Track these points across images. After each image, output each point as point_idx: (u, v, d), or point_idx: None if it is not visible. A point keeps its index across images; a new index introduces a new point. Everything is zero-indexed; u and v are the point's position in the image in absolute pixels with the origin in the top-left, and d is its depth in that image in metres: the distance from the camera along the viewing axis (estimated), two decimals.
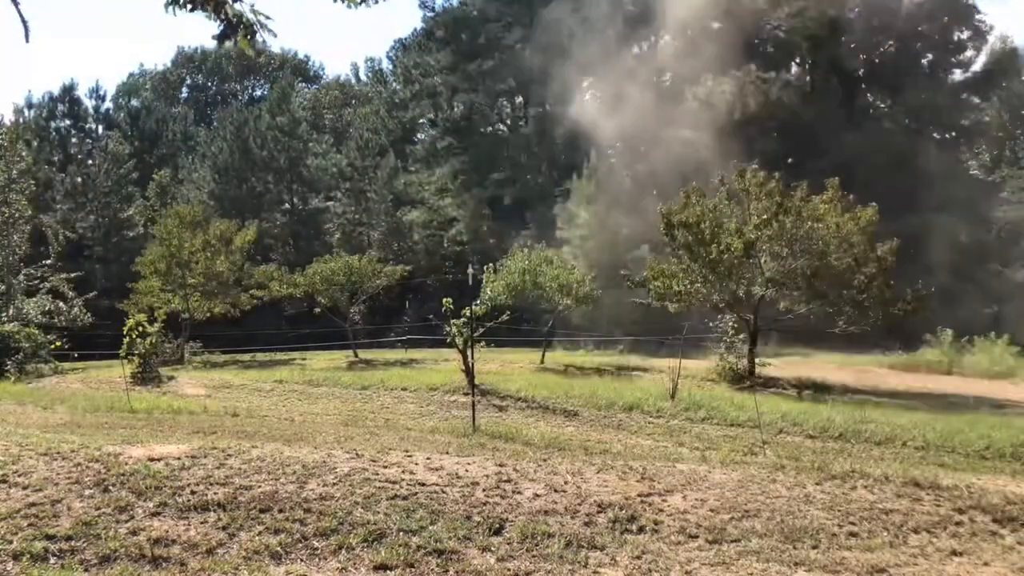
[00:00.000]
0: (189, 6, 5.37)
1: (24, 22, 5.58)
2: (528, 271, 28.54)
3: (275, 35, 5.60)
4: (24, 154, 35.67)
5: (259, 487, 6.34)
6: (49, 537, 5.29)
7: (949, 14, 46.79)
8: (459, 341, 18.21)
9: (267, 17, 5.47)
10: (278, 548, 5.35)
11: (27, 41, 5.71)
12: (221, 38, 5.50)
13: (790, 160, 43.21)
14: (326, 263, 33.01)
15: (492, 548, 5.57)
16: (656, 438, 14.17)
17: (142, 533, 5.43)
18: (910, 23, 46.76)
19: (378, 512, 5.99)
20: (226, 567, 5.05)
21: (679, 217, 24.50)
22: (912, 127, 47.33)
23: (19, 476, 6.36)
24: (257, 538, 5.47)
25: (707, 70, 46.72)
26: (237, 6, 5.43)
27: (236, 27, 5.43)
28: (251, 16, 5.43)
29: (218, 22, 5.43)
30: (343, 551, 5.38)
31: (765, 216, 23.44)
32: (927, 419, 16.02)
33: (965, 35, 48.12)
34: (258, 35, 5.50)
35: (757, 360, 24.25)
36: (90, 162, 56.73)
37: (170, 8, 5.32)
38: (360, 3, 5.67)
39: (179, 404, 16.05)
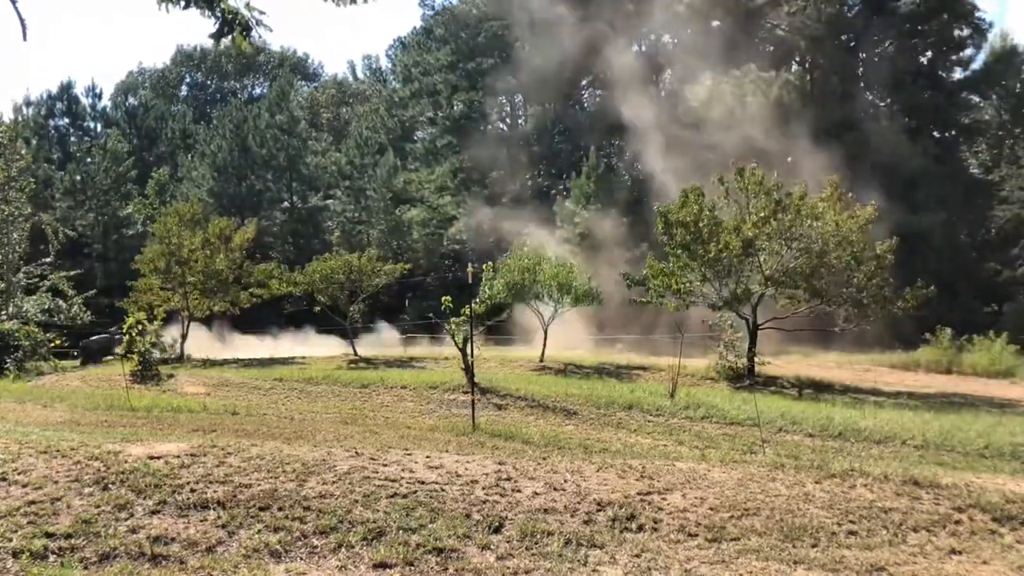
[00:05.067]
0: (183, 2, 5.37)
1: (22, 20, 5.58)
2: (527, 270, 28.55)
3: (271, 30, 5.60)
4: (23, 152, 35.61)
5: (258, 485, 6.34)
6: (49, 535, 5.29)
7: (949, 12, 46.80)
8: (458, 339, 18.23)
9: (261, 13, 5.47)
10: (278, 546, 5.35)
11: (24, 39, 5.71)
12: (217, 35, 5.50)
13: (789, 159, 43.23)
14: (325, 261, 33.01)
15: (492, 546, 5.58)
16: (655, 437, 14.17)
17: (142, 531, 5.43)
18: (910, 21, 46.78)
19: (378, 510, 6.00)
20: (226, 565, 5.05)
21: (677, 216, 24.53)
22: (911, 126, 47.34)
23: (19, 474, 6.36)
24: (257, 536, 5.47)
25: (707, 69, 46.75)
26: (232, 2, 5.43)
27: (232, 24, 5.43)
28: (246, 13, 5.43)
29: (213, 19, 5.43)
30: (343, 549, 5.38)
31: (763, 214, 23.46)
32: (926, 418, 16.03)
33: (965, 33, 48.14)
34: (254, 31, 5.50)
35: (756, 359, 24.27)
36: (89, 160, 56.72)
37: (163, 5, 5.32)
38: (351, 2, 5.68)
39: (179, 402, 16.04)
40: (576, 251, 42.03)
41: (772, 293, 24.42)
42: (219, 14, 5.39)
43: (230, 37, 5.48)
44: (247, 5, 5.42)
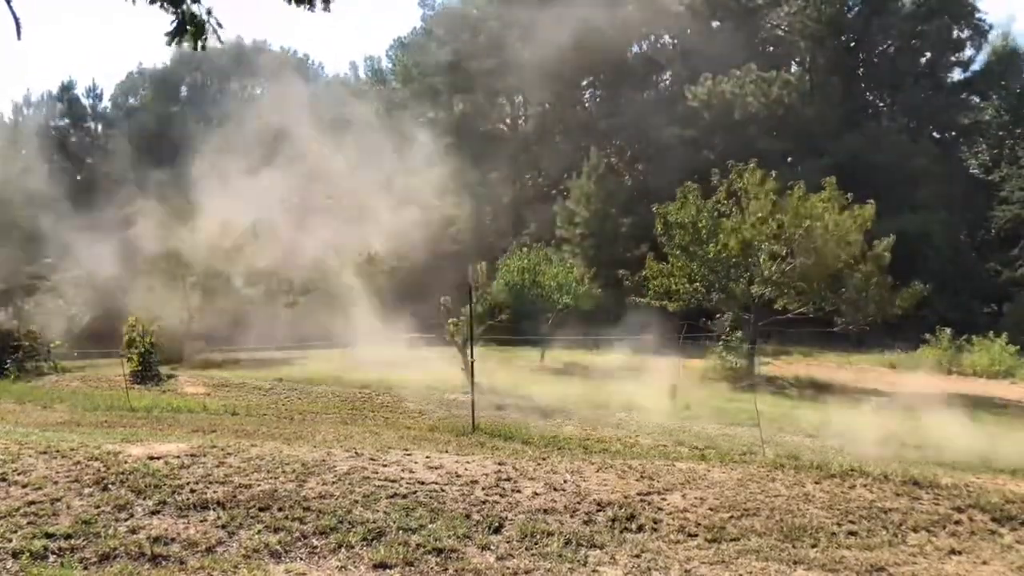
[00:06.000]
0: None
1: (16, 19, 5.58)
2: (527, 270, 28.57)
3: (221, 41, 5.72)
4: (23, 152, 35.61)
5: (258, 486, 6.34)
6: (49, 535, 5.29)
7: (949, 13, 46.83)
8: (458, 339, 18.24)
9: (219, 25, 5.59)
10: (277, 546, 5.35)
11: (19, 39, 5.71)
12: (173, 35, 5.58)
13: (790, 159, 43.24)
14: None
15: (492, 546, 5.57)
16: (655, 437, 14.16)
17: (142, 531, 5.43)
18: (910, 22, 46.80)
19: (377, 510, 5.99)
20: (225, 565, 5.04)
21: (675, 217, 24.54)
22: (911, 126, 47.34)
23: (19, 475, 6.35)
24: (256, 536, 5.47)
25: (707, 69, 46.76)
26: (195, 7, 5.52)
27: (186, 26, 5.52)
28: (204, 16, 5.52)
29: (172, 18, 5.51)
30: (342, 549, 5.38)
31: (761, 215, 23.47)
32: (926, 417, 16.03)
33: (965, 34, 48.17)
34: (208, 34, 5.60)
35: (757, 359, 24.28)
36: (89, 160, 56.79)
37: None
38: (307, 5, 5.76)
39: (179, 403, 16.04)
40: (576, 251, 42.03)
41: (771, 293, 24.43)
42: (179, 14, 5.49)
43: (181, 38, 5.58)
44: (208, 10, 5.52)
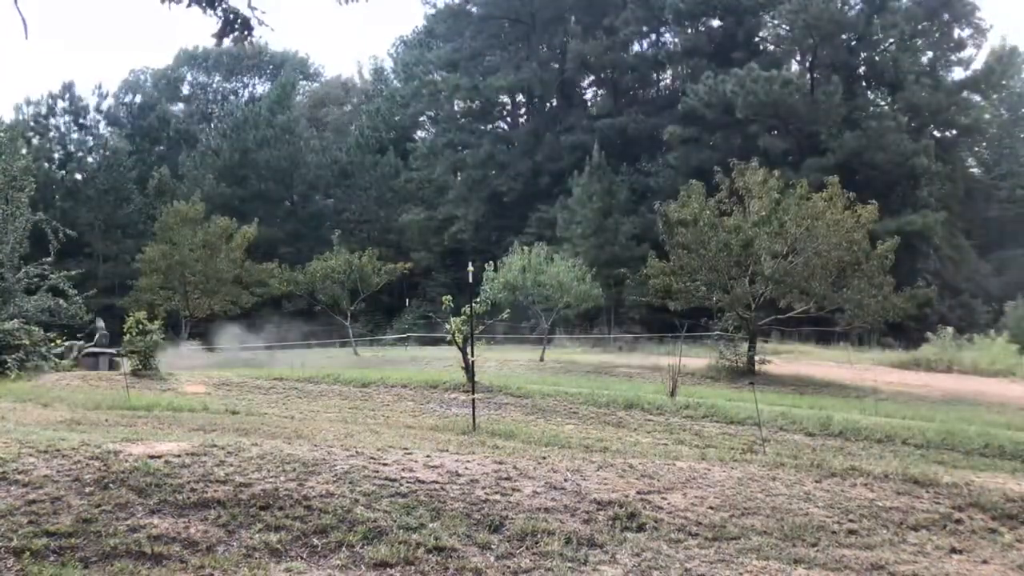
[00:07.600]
0: (186, 0, 5.38)
1: (23, 19, 5.59)
2: (528, 269, 28.59)
3: (272, 29, 5.60)
4: (24, 151, 35.56)
5: (259, 485, 6.34)
6: (49, 534, 5.29)
7: (949, 12, 46.85)
8: (459, 339, 18.23)
9: (263, 12, 5.48)
10: (278, 546, 5.35)
11: (26, 38, 5.73)
12: (220, 35, 5.49)
13: (790, 158, 43.26)
14: (326, 261, 33.07)
15: (491, 546, 5.57)
16: (656, 436, 14.16)
17: (142, 531, 5.43)
18: (910, 21, 46.80)
19: (378, 510, 5.99)
20: (226, 565, 5.05)
21: (678, 216, 24.56)
22: (912, 125, 47.38)
23: (19, 474, 6.35)
24: (257, 536, 5.47)
25: (708, 67, 46.76)
26: (232, 2, 5.43)
27: (233, 23, 5.43)
28: (247, 12, 5.44)
29: (215, 19, 5.43)
30: (343, 548, 5.38)
31: (763, 214, 23.48)
32: (926, 417, 16.04)
33: (965, 33, 48.22)
34: (256, 30, 5.50)
35: (757, 357, 24.29)
36: (90, 159, 56.76)
37: (166, 3, 5.33)
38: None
39: (179, 402, 16.01)
40: (578, 250, 42.04)
41: (772, 292, 24.43)
42: (220, 13, 5.40)
43: (232, 37, 5.48)
44: (248, 4, 5.43)
